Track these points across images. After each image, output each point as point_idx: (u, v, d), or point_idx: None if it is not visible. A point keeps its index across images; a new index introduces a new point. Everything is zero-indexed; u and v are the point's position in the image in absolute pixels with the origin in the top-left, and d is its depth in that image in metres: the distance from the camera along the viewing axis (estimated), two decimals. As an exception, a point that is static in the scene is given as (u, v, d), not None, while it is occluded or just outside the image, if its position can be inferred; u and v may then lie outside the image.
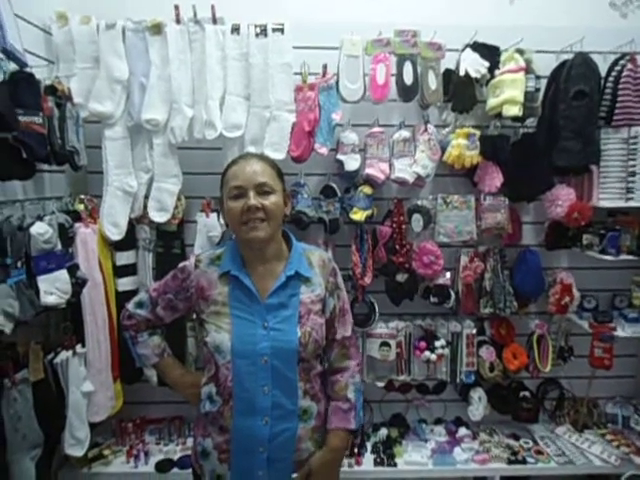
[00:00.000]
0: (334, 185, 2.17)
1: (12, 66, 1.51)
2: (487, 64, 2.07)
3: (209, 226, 2.10)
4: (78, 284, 1.74)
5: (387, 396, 2.42)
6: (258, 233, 1.26)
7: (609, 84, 2.09)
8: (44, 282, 1.57)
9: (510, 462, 2.14)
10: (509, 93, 2.00)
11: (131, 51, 1.99)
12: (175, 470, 2.08)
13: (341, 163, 2.09)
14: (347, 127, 2.11)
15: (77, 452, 1.84)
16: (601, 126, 2.09)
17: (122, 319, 1.47)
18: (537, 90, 2.06)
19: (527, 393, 2.32)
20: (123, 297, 2.03)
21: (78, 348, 1.86)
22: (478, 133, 2.07)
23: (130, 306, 1.46)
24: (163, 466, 2.10)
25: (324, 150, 2.05)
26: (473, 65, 2.07)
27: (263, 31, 1.97)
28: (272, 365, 1.26)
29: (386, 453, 2.19)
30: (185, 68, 1.99)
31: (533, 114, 2.09)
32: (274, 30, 1.97)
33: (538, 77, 2.06)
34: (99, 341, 1.95)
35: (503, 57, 2.07)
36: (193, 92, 2.02)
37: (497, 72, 2.06)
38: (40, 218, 1.64)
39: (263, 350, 1.26)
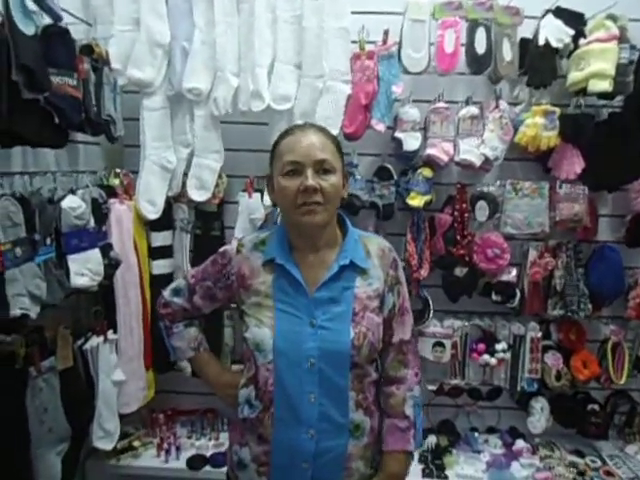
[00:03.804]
0: (390, 166, 1.96)
1: (46, 21, 1.36)
2: (572, 32, 1.82)
3: (251, 208, 1.93)
4: (111, 265, 1.60)
5: (434, 400, 2.22)
6: (314, 218, 1.08)
7: None
8: (75, 262, 1.43)
9: (576, 483, 1.92)
10: (597, 65, 1.75)
11: (174, 12, 1.82)
12: (207, 468, 1.94)
13: (399, 142, 1.87)
14: (407, 102, 1.89)
15: (106, 445, 1.72)
16: None
17: (158, 307, 1.33)
18: (631, 63, 1.79)
19: (596, 406, 2.08)
20: (158, 281, 1.91)
21: (109, 334, 1.72)
22: (558, 111, 1.82)
23: (166, 293, 1.32)
24: (195, 462, 1.96)
25: (381, 127, 1.85)
26: (555, 33, 1.82)
27: (319, -9, 1.77)
28: (319, 369, 1.08)
29: (435, 463, 1.99)
30: (232, 32, 1.82)
31: (624, 90, 1.82)
32: (331, -10, 1.77)
33: (633, 47, 1.79)
34: (132, 327, 1.82)
35: (590, 25, 1.82)
36: (239, 59, 1.84)
37: (582, 42, 1.80)
38: (73, 191, 1.50)
39: (310, 351, 1.08)
